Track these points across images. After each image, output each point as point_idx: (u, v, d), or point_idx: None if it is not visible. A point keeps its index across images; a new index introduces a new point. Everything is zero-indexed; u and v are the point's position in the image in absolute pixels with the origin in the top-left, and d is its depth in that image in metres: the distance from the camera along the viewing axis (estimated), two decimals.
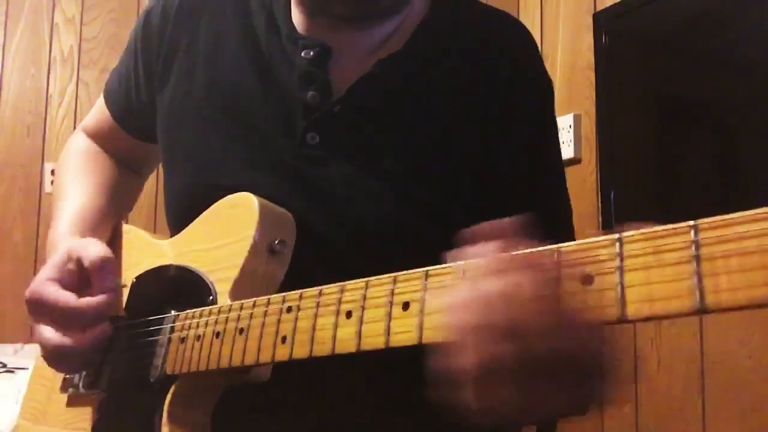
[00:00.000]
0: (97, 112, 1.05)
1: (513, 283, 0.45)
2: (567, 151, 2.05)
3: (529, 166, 0.85)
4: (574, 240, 0.47)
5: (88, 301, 0.76)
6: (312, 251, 0.77)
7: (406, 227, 0.79)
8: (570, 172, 2.01)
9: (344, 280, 0.58)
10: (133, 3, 2.18)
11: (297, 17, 0.86)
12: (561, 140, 2.05)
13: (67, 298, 0.76)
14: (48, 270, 0.80)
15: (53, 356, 0.78)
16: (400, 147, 0.81)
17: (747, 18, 1.64)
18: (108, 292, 0.77)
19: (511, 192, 0.83)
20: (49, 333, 0.77)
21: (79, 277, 0.79)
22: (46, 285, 0.78)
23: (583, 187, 2.01)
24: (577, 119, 2.05)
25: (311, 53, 0.82)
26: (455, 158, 0.81)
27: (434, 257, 0.53)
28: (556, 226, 0.86)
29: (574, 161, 2.05)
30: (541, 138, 0.88)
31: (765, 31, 1.59)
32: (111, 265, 0.78)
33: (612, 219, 1.89)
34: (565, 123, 2.06)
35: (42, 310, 0.77)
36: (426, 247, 0.58)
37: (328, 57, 0.83)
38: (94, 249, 0.79)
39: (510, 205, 0.82)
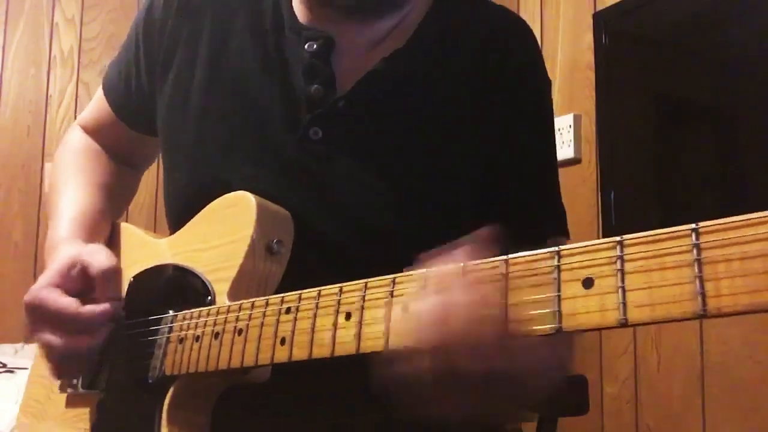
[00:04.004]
0: (96, 105, 1.04)
1: (456, 302, 0.49)
2: (567, 151, 2.04)
3: (527, 166, 0.85)
4: (569, 238, 0.49)
5: (93, 308, 0.76)
6: (312, 247, 0.77)
7: (408, 224, 0.79)
8: (570, 172, 2.03)
9: (345, 277, 0.58)
10: (133, 3, 2.18)
11: (299, 7, 0.86)
12: (561, 140, 2.05)
13: (72, 304, 0.76)
14: (50, 275, 0.79)
15: (60, 360, 0.78)
16: (402, 144, 0.81)
17: (747, 18, 1.64)
18: (113, 301, 0.77)
19: (508, 191, 0.84)
20: (53, 338, 0.77)
21: (81, 284, 0.79)
22: (48, 290, 0.77)
23: (583, 187, 2.00)
24: (577, 119, 2.04)
25: (314, 46, 0.82)
26: (457, 156, 0.82)
27: None
28: (550, 225, 0.86)
29: (574, 161, 2.05)
30: (541, 139, 0.88)
31: (765, 31, 1.59)
32: (118, 274, 0.79)
33: (612, 219, 1.89)
34: (565, 123, 2.05)
35: (43, 315, 0.77)
36: (427, 243, 0.58)
37: (331, 49, 0.82)
38: (101, 257, 0.79)
39: (507, 205, 0.83)
